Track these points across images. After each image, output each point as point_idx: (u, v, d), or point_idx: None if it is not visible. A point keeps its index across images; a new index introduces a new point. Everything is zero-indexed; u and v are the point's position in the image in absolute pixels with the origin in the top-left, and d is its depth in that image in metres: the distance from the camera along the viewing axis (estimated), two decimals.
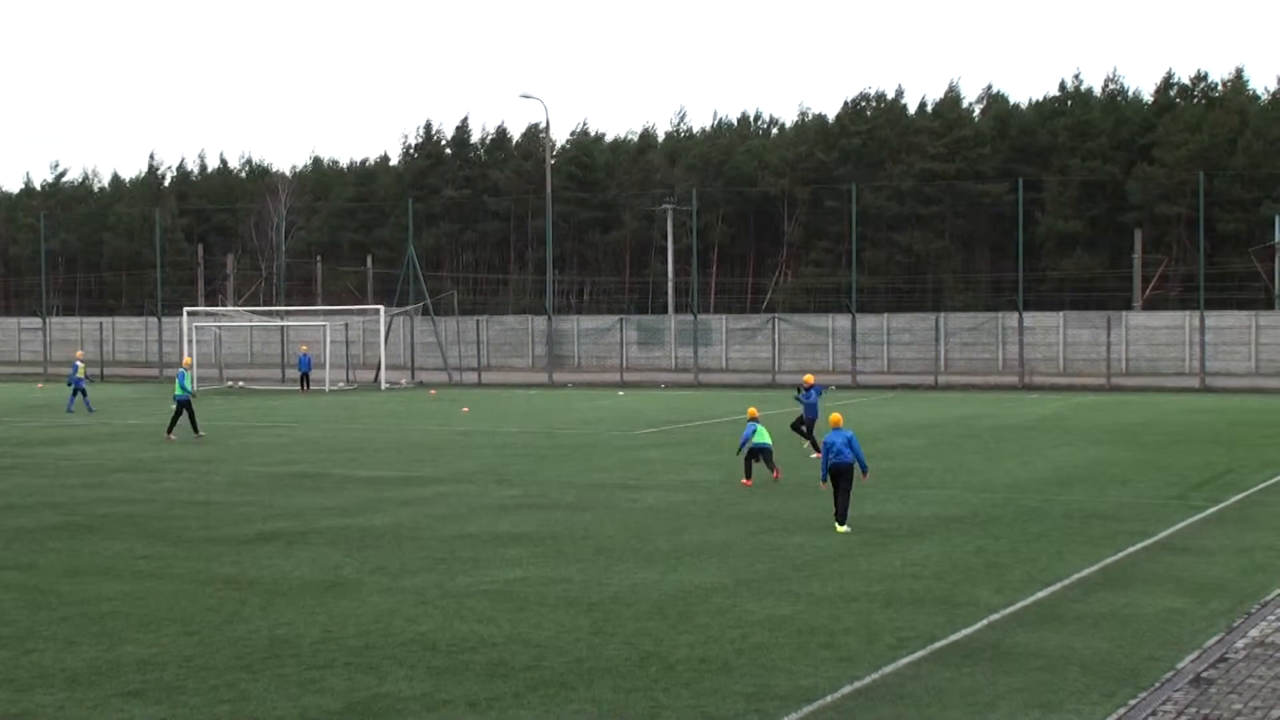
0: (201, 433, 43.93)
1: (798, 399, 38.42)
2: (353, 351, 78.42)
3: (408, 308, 79.74)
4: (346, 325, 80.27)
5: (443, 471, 34.07)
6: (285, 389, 69.82)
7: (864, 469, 24.64)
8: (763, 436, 30.94)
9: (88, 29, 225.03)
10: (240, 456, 38.26)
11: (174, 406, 44.17)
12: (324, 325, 76.17)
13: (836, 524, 24.34)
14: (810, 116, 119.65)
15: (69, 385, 55.84)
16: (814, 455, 35.59)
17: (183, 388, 43.78)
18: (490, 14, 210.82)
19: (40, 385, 75.04)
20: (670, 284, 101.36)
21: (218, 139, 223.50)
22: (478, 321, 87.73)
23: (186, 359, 52.00)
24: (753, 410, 32.50)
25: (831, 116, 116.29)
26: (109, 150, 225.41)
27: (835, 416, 25.40)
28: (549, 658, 15.66)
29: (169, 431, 43.66)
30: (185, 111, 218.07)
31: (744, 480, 30.88)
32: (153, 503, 28.82)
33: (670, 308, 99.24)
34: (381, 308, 77.21)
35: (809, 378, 38.60)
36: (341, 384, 72.66)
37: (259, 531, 24.63)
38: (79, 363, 56.66)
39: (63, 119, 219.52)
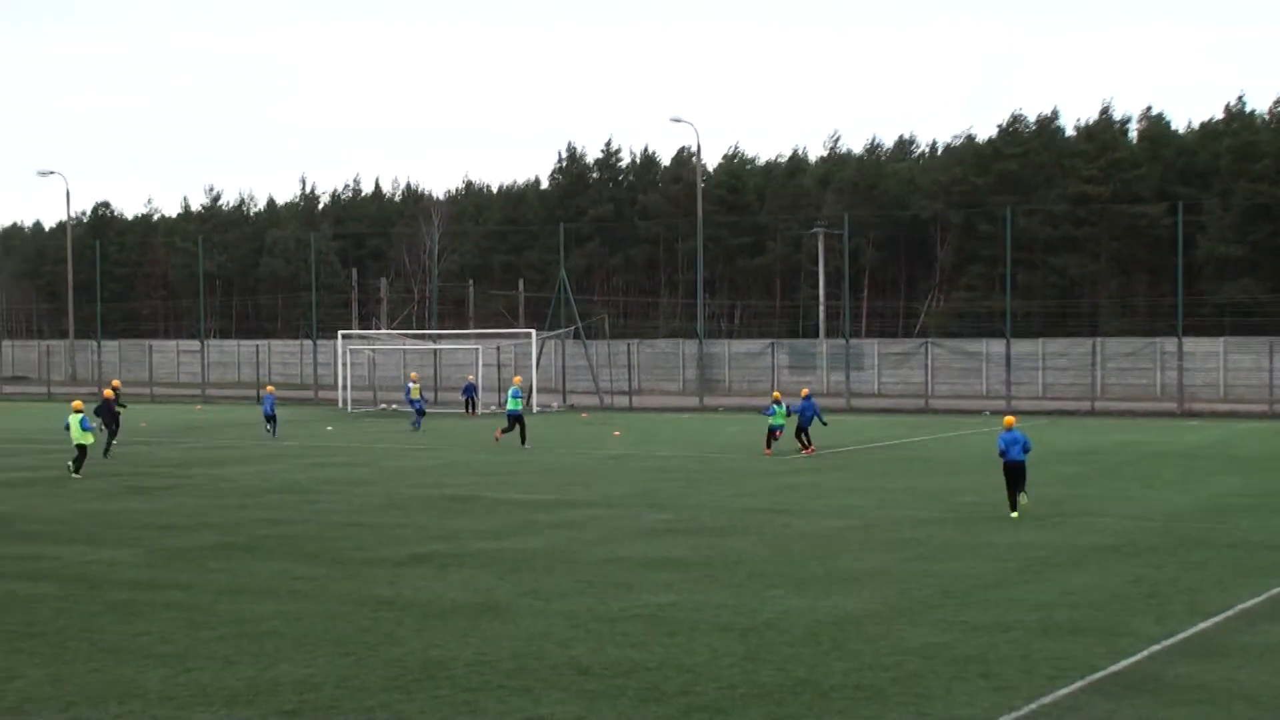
0: (529, 446, 47.67)
1: (792, 410, 46.62)
2: (504, 375, 78.77)
3: (559, 331, 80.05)
4: (498, 348, 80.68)
5: (594, 495, 34.12)
6: (438, 411, 70.28)
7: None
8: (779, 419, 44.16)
9: (245, 56, 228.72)
10: (394, 478, 38.55)
11: (507, 420, 48.87)
12: (476, 348, 76.64)
13: (1011, 513, 29.21)
14: (962, 140, 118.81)
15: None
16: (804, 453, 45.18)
17: (514, 399, 48.76)
18: (638, 36, 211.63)
19: (199, 407, 76.16)
20: (821, 308, 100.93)
21: (371, 164, 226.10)
22: (629, 345, 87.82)
23: (517, 378, 54.71)
24: (776, 394, 46.92)
25: (984, 139, 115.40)
26: (264, 174, 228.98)
27: (1008, 419, 30.47)
28: (702, 683, 15.59)
29: (501, 433, 48.99)
30: (339, 136, 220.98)
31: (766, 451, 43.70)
32: (308, 524, 29.11)
33: (821, 332, 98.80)
34: (533, 331, 77.56)
35: (804, 390, 48.40)
36: (494, 407, 73.04)
37: (413, 553, 24.78)
38: (271, 394, 57.26)
39: (219, 143, 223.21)
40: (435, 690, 15.37)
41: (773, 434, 46.28)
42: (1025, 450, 29.36)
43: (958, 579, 21.97)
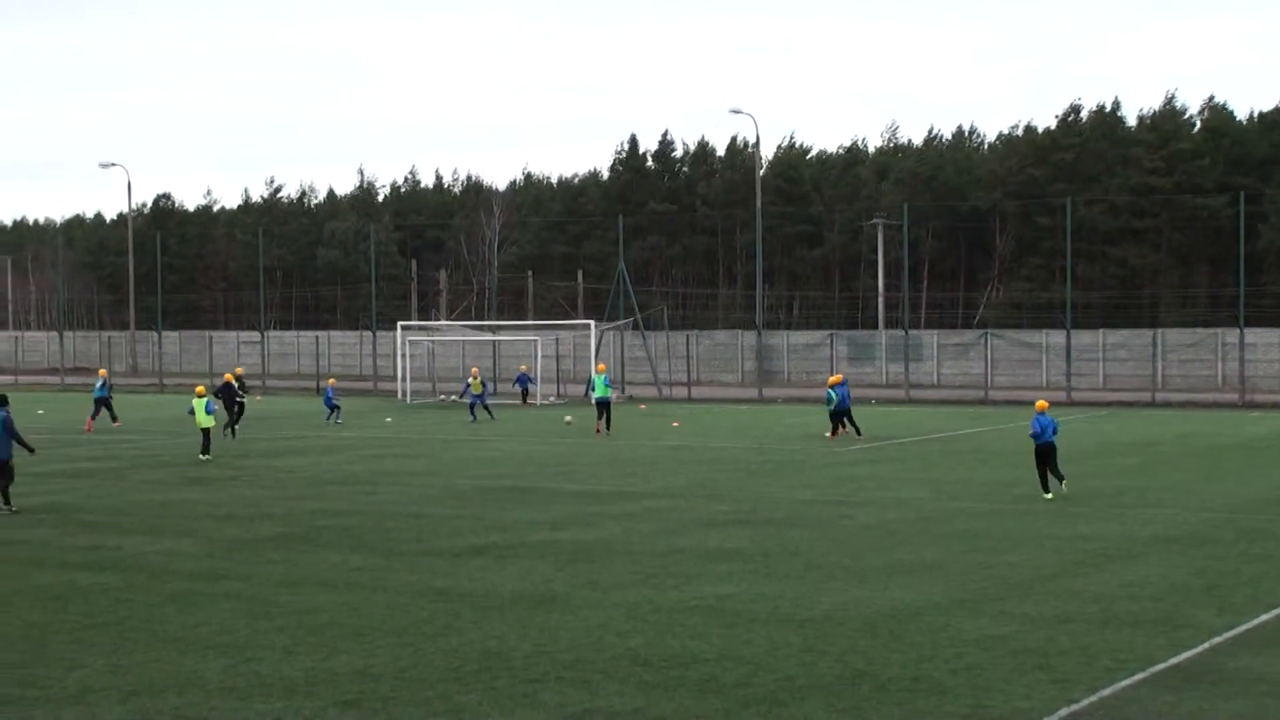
0: (610, 432, 50.04)
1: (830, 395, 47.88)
2: (563, 366, 78.81)
3: (618, 322, 79.98)
4: (557, 339, 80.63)
5: (653, 486, 34.11)
6: (495, 403, 70.41)
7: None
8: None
9: (308, 49, 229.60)
10: (452, 469, 38.65)
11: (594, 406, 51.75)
12: (535, 340, 76.67)
13: (1045, 493, 30.61)
14: (1021, 130, 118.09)
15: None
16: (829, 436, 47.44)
17: (605, 387, 51.17)
18: (697, 27, 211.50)
19: (259, 398, 76.41)
20: (880, 299, 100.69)
21: (431, 156, 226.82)
22: (688, 336, 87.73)
23: (600, 365, 56.03)
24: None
25: (1042, 129, 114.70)
26: (324, 167, 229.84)
27: (1041, 403, 32.11)
28: (760, 675, 15.57)
29: (604, 427, 50.53)
30: (399, 128, 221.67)
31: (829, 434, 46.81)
32: (366, 515, 29.21)
33: (880, 323, 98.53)
34: (592, 322, 77.51)
35: (838, 377, 49.32)
36: (552, 398, 73.10)
37: (471, 544, 24.84)
38: (331, 387, 58.50)
39: (280, 136, 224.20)
40: (493, 681, 15.40)
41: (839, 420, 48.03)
42: (1056, 433, 31.10)
43: (1016, 571, 21.88)
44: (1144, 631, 17.63)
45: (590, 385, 58.54)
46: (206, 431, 41.69)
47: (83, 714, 14.44)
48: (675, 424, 54.89)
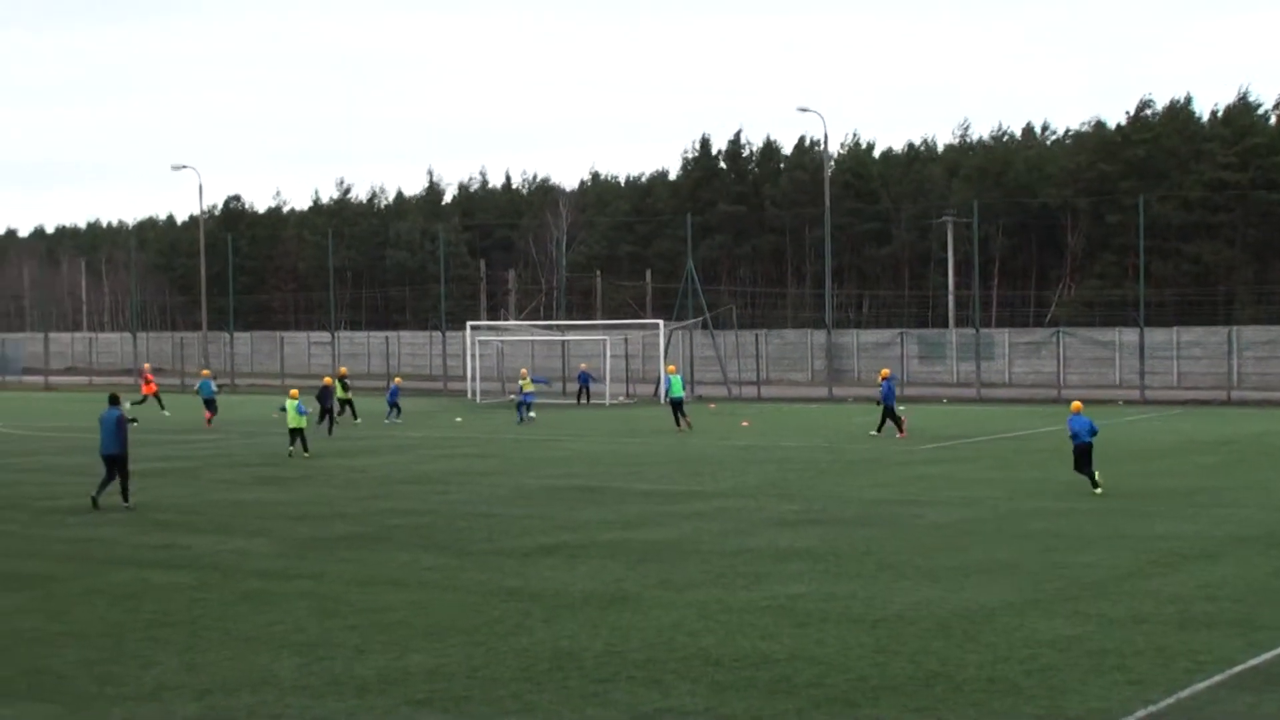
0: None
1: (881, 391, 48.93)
2: (632, 365, 78.84)
3: (687, 322, 79.94)
4: (626, 339, 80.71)
5: (723, 485, 34.05)
6: (564, 403, 70.51)
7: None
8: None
9: (374, 50, 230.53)
10: (522, 469, 38.69)
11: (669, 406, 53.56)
12: (604, 339, 76.72)
13: (1095, 490, 31.22)
14: (1091, 126, 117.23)
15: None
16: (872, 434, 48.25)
17: (680, 386, 53.81)
18: (764, 26, 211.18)
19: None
20: (950, 297, 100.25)
21: (498, 156, 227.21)
22: (756, 335, 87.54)
23: (671, 366, 58.35)
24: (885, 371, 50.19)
25: (1112, 125, 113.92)
26: (392, 168, 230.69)
27: (1076, 404, 33.16)
28: (832, 675, 15.49)
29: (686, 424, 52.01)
30: (467, 129, 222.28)
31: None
32: (438, 514, 29.27)
33: (950, 321, 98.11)
34: (661, 322, 77.55)
35: (885, 371, 50.79)
36: (621, 397, 73.13)
37: (541, 544, 24.84)
38: (379, 382, 58.81)
39: (348, 136, 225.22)
40: (565, 681, 15.38)
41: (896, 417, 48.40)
42: (1093, 434, 31.62)
43: (1091, 571, 21.70)
44: (1221, 632, 17.45)
45: (664, 386, 58.68)
46: (296, 431, 42.24)
47: (158, 711, 14.51)
48: (745, 423, 54.81)
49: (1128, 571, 21.64)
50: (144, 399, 63.72)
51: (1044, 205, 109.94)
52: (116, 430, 30.34)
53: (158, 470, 39.06)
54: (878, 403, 49.45)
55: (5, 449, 46.71)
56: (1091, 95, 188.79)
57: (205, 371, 65.95)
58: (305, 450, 42.14)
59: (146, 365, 72.06)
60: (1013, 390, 78.15)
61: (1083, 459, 31.59)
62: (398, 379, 63.84)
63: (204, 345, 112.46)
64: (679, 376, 55.06)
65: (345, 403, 56.76)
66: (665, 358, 73.61)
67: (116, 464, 30.47)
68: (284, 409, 43.72)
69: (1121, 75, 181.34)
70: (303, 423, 42.44)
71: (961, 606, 19.05)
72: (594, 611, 18.97)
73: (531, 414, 58.23)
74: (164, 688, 15.31)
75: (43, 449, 46.63)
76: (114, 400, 31.31)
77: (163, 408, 63.18)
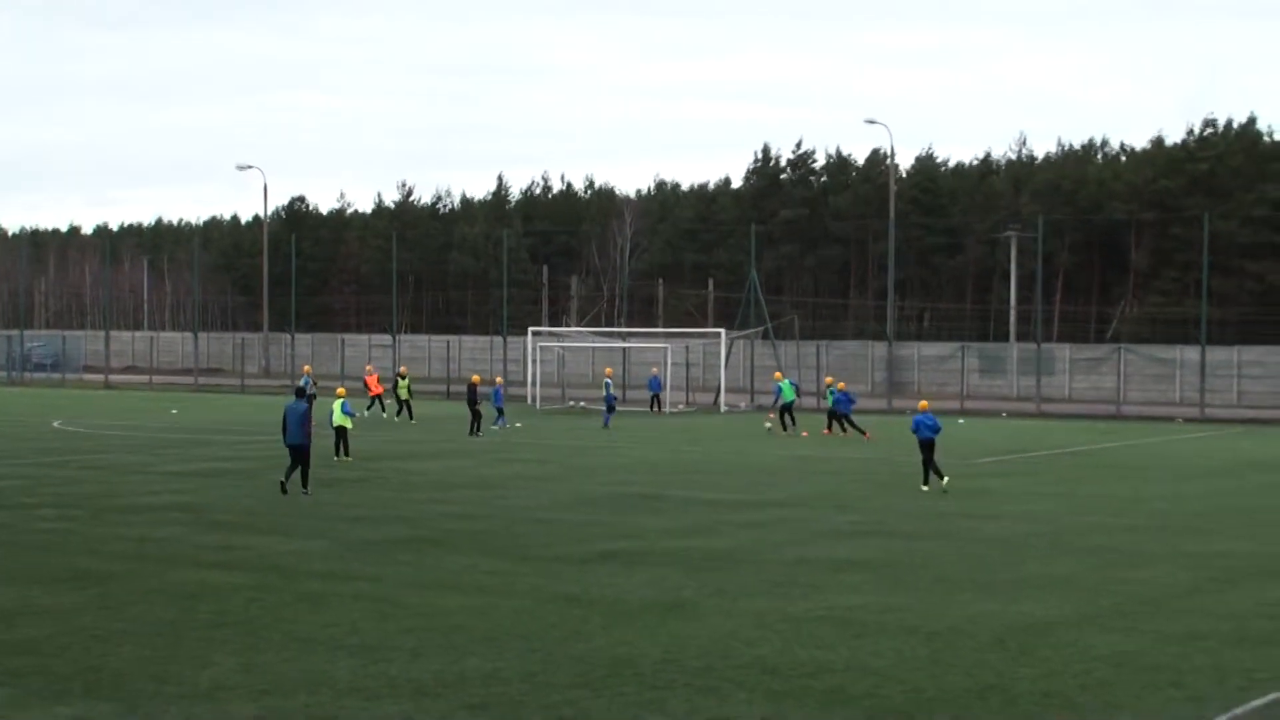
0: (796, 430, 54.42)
1: (831, 392, 54.08)
2: (693, 374, 78.78)
3: (748, 331, 79.86)
4: (687, 347, 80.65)
5: (782, 495, 34.04)
6: (624, 410, 70.53)
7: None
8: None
9: (440, 55, 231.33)
10: (582, 475, 38.74)
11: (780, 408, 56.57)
12: (665, 347, 76.67)
13: (927, 486, 34.71)
14: (1153, 143, 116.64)
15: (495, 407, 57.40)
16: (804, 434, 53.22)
17: (791, 390, 57.42)
18: (831, 36, 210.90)
19: (390, 401, 76.97)
20: (1013, 312, 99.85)
21: (561, 162, 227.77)
22: (818, 346, 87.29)
23: (778, 374, 61.97)
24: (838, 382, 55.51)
25: (1174, 141, 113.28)
26: (454, 172, 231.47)
27: (923, 403, 37.13)
28: (888, 686, 15.50)
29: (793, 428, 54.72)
30: (531, 133, 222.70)
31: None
32: (496, 519, 29.34)
33: (1012, 335, 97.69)
34: (722, 331, 77.47)
35: (841, 384, 55.61)
36: (681, 405, 73.10)
37: (600, 550, 24.88)
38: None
39: (412, 139, 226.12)
40: (621, 688, 15.42)
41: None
42: (935, 431, 34.84)
43: (1148, 587, 21.63)
44: (1278, 650, 17.36)
45: (778, 393, 58.89)
46: (341, 430, 41.50)
47: (215, 711, 14.61)
48: (804, 434, 54.72)
49: (1185, 588, 21.55)
50: (372, 402, 63.18)
51: (1109, 221, 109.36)
52: (302, 422, 32.57)
53: (217, 471, 39.26)
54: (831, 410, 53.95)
55: (66, 446, 46.95)
56: (1152, 112, 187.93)
57: (306, 368, 66.49)
58: (345, 454, 41.39)
59: (369, 366, 72.56)
60: (1072, 405, 77.76)
61: (928, 453, 34.87)
62: (499, 379, 62.47)
63: (265, 346, 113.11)
64: (788, 381, 58.54)
65: (404, 403, 56.81)
66: (726, 367, 73.56)
67: (300, 453, 32.80)
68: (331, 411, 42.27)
69: (1183, 93, 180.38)
70: (348, 423, 41.41)
71: (1017, 620, 19.01)
72: (651, 619, 19.01)
73: (610, 419, 58.32)
74: (220, 688, 15.42)
75: (104, 447, 46.88)
76: (299, 394, 34.10)
77: (383, 410, 62.49)
